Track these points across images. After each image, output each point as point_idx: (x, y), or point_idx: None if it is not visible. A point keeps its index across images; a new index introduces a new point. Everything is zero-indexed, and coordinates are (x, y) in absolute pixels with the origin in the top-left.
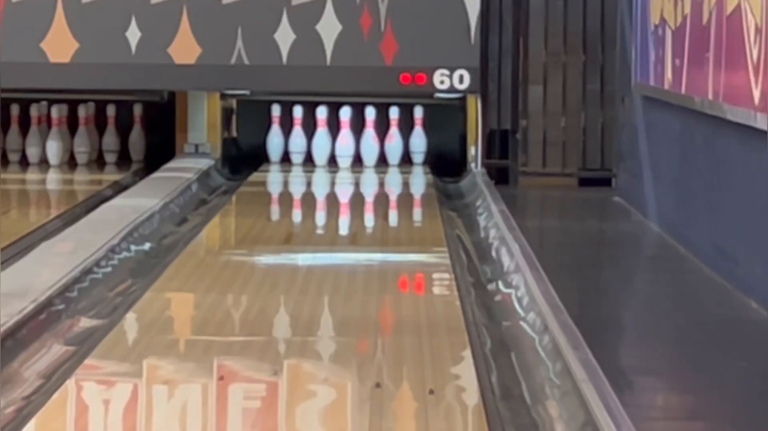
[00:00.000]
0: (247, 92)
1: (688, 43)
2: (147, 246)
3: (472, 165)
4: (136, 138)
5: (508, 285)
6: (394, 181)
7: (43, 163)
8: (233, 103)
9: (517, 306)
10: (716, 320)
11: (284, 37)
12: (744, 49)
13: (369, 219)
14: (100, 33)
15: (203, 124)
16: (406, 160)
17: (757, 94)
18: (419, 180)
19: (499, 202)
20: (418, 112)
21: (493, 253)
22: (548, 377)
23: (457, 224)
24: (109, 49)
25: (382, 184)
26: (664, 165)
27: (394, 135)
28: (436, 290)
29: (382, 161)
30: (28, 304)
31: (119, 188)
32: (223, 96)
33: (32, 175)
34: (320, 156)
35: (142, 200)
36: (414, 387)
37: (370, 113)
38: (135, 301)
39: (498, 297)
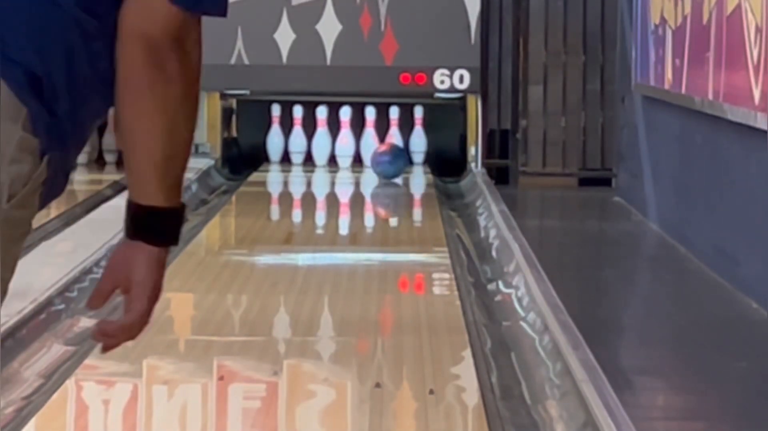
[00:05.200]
0: (246, 92)
1: (688, 42)
2: None
3: (472, 165)
4: None
5: (508, 285)
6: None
7: None
8: (233, 102)
9: (517, 306)
10: (716, 320)
11: (284, 37)
12: (744, 49)
13: (369, 219)
14: None
15: (203, 124)
16: None
17: (757, 93)
18: (419, 180)
19: (499, 202)
20: (418, 112)
21: (493, 253)
22: (548, 377)
23: (457, 224)
24: None
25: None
26: (664, 165)
27: (394, 135)
28: (436, 290)
29: None
30: (27, 304)
31: (119, 188)
32: (223, 96)
33: None
34: (320, 156)
35: None
36: (414, 387)
37: (370, 113)
38: None
39: (498, 297)
